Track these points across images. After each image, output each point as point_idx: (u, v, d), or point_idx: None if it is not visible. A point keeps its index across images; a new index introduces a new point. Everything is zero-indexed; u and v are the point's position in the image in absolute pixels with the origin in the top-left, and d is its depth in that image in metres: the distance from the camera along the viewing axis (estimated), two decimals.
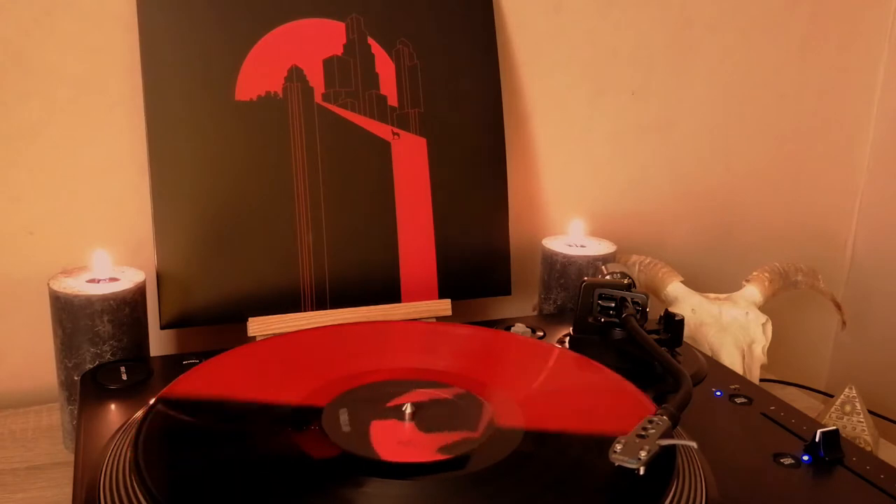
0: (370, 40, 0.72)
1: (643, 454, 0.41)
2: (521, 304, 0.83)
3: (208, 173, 0.67)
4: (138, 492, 0.40)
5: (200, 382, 0.51)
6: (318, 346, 0.58)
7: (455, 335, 0.61)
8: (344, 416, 0.48)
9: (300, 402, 0.49)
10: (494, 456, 0.44)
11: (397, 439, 0.46)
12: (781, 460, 0.49)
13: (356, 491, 0.41)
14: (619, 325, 0.61)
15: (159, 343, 0.71)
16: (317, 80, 0.70)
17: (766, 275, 0.76)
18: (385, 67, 0.73)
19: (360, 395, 0.51)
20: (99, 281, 0.61)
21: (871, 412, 0.67)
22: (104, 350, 0.59)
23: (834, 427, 0.50)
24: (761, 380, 0.73)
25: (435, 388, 0.51)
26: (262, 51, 0.69)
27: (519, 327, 0.69)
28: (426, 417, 0.48)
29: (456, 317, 0.71)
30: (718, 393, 0.58)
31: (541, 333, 0.68)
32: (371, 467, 0.43)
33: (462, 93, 0.75)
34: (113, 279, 0.61)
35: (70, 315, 0.58)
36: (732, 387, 0.59)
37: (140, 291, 0.61)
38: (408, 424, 0.47)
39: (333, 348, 0.58)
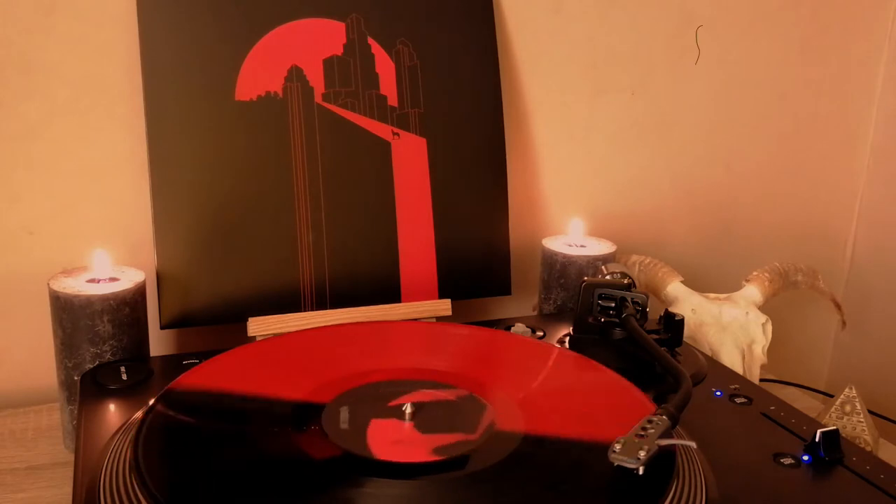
0: (370, 40, 0.72)
1: (642, 454, 0.41)
2: (521, 304, 0.83)
3: (208, 173, 0.67)
4: (138, 492, 0.41)
5: (200, 382, 0.51)
6: (318, 346, 0.58)
7: (455, 335, 0.61)
8: (344, 414, 0.48)
9: (300, 402, 0.49)
10: (492, 457, 0.44)
11: (393, 439, 0.46)
12: (781, 460, 0.49)
13: (348, 488, 0.41)
14: (619, 325, 0.61)
15: (159, 343, 0.71)
16: (317, 80, 0.70)
17: (766, 275, 0.76)
18: (385, 67, 0.73)
19: (362, 394, 0.51)
20: (99, 281, 0.61)
21: (871, 412, 0.67)
22: (104, 350, 0.59)
23: (834, 427, 0.50)
24: (761, 380, 0.73)
25: (439, 389, 0.51)
26: (262, 51, 0.69)
27: (519, 327, 0.69)
28: (426, 418, 0.48)
29: (456, 317, 0.71)
30: (718, 393, 0.58)
31: (541, 333, 0.68)
32: (363, 465, 0.43)
33: (462, 93, 0.75)
34: (113, 279, 0.61)
35: (70, 315, 0.58)
36: (732, 387, 0.59)
37: (140, 291, 0.61)
38: (407, 424, 0.47)
39: (333, 348, 0.58)
